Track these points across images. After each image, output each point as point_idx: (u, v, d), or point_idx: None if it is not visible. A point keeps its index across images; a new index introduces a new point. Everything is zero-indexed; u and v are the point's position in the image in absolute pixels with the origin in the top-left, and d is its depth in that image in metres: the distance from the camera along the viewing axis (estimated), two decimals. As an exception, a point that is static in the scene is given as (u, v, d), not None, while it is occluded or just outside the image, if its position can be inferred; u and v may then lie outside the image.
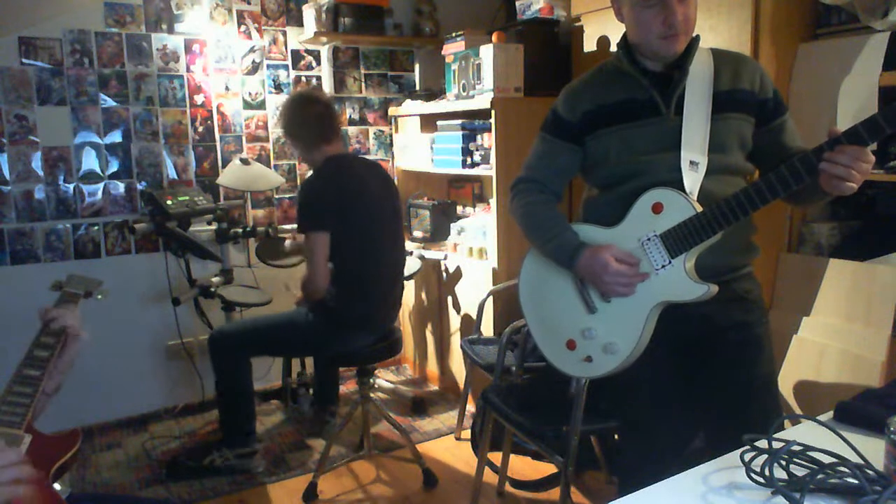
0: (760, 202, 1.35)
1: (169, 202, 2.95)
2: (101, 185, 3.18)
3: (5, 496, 0.98)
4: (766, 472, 0.93)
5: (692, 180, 1.45)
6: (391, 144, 3.92)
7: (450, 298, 3.40)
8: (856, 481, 0.89)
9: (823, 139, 1.29)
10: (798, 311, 2.25)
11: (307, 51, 3.63)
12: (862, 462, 0.94)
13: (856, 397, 1.21)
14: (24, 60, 2.97)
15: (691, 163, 1.45)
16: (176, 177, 3.34)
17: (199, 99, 3.35)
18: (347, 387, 3.64)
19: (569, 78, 3.17)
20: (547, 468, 2.67)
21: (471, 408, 3.13)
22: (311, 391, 3.39)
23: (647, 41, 1.47)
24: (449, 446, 2.99)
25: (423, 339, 3.70)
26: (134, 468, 2.86)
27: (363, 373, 2.69)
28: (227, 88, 3.42)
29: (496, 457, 2.56)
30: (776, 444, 0.98)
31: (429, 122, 3.63)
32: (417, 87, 3.91)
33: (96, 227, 3.19)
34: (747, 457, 0.98)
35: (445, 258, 3.37)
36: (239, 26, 3.42)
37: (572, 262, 1.53)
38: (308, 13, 3.43)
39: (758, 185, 1.35)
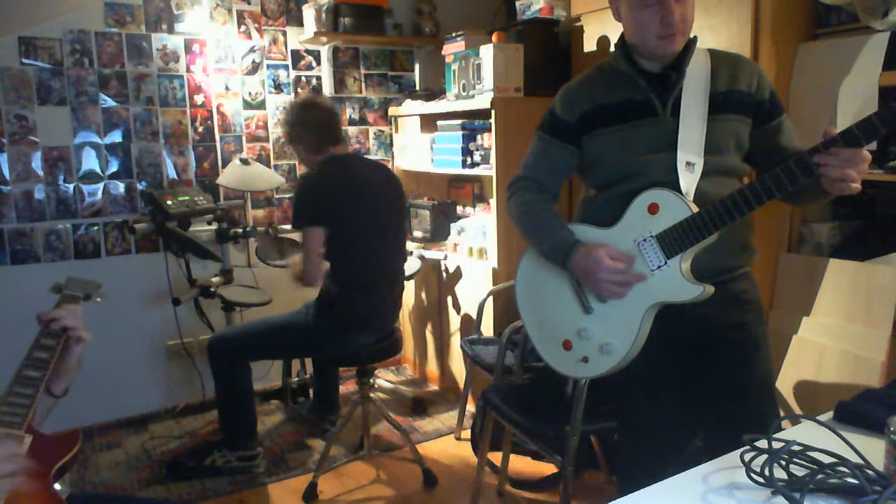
0: (756, 203, 1.35)
1: (169, 202, 2.95)
2: (101, 185, 3.18)
3: (5, 488, 0.98)
4: (766, 472, 0.93)
5: (688, 181, 1.45)
6: (391, 144, 3.92)
7: (450, 298, 3.40)
8: (856, 481, 0.89)
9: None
10: (798, 311, 2.25)
11: (307, 51, 3.63)
12: (862, 462, 0.94)
13: (856, 397, 1.21)
14: (24, 60, 2.97)
15: (687, 164, 1.45)
16: (176, 177, 3.34)
17: (199, 99, 3.35)
18: (347, 387, 3.64)
19: (569, 78, 3.15)
20: (547, 468, 2.67)
21: (471, 408, 3.13)
22: (311, 394, 3.39)
23: (645, 41, 1.48)
24: (449, 446, 2.99)
25: (423, 339, 3.70)
26: (134, 468, 2.86)
27: (363, 373, 2.69)
28: (227, 88, 3.42)
29: (496, 457, 2.56)
30: (776, 444, 0.98)
31: (429, 122, 3.63)
32: (417, 87, 3.91)
33: (96, 227, 3.19)
34: (747, 457, 0.98)
35: (445, 258, 3.38)
36: (239, 26, 3.42)
37: (567, 259, 1.54)
38: (308, 13, 3.44)
39: (753, 186, 1.35)
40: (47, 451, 1.18)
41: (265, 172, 3.33)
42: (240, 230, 3.25)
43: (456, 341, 3.38)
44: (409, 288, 3.64)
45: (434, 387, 3.65)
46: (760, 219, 2.05)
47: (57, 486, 1.16)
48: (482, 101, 3.01)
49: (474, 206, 3.64)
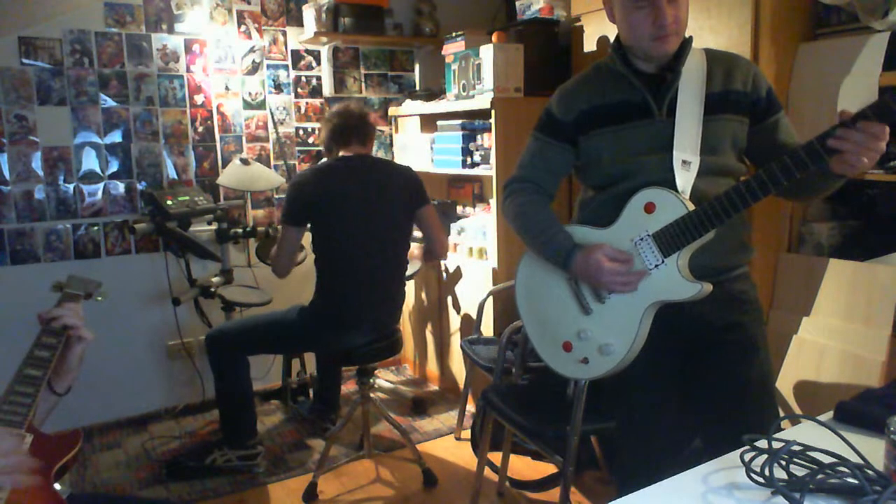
0: (752, 199, 1.35)
1: (169, 202, 2.95)
2: (101, 185, 3.18)
3: (6, 484, 0.98)
4: (766, 472, 0.93)
5: (684, 180, 1.45)
6: (391, 144, 3.92)
7: (450, 298, 3.40)
8: (856, 481, 0.89)
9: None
10: (798, 311, 2.25)
11: (307, 51, 3.63)
12: (862, 462, 0.94)
13: (856, 397, 1.21)
14: (24, 60, 2.97)
15: (683, 162, 1.46)
16: (176, 177, 3.34)
17: (199, 99, 3.35)
18: (347, 387, 3.64)
19: (569, 78, 3.16)
20: (547, 468, 2.67)
21: (471, 408, 3.13)
22: (311, 394, 3.39)
23: (639, 42, 1.48)
24: (449, 446, 2.99)
25: (423, 339, 3.70)
26: (134, 468, 2.86)
27: (363, 373, 2.69)
28: (227, 88, 3.42)
29: (496, 457, 2.56)
30: (776, 444, 0.98)
31: (429, 122, 3.63)
32: (417, 87, 3.91)
33: (96, 227, 3.19)
34: (747, 457, 0.98)
35: (445, 258, 3.37)
36: (239, 26, 3.42)
37: (567, 264, 1.54)
38: (308, 13, 3.44)
39: (749, 182, 1.35)
40: (48, 451, 1.18)
41: (265, 172, 3.33)
42: (240, 230, 3.25)
43: (456, 341, 3.38)
44: (409, 288, 3.64)
45: (434, 387, 3.65)
46: (760, 219, 2.05)
47: (57, 486, 1.16)
48: (482, 101, 3.01)
49: (474, 206, 3.64)
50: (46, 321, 1.33)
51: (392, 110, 3.85)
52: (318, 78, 3.66)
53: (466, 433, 3.05)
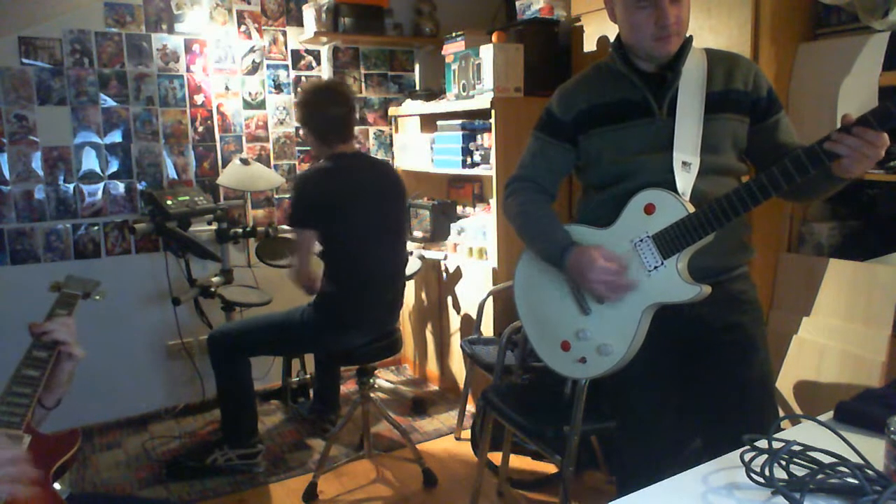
0: (753, 202, 1.35)
1: (169, 202, 2.95)
2: (101, 185, 3.18)
3: (2, 494, 0.97)
4: (766, 472, 0.93)
5: (684, 181, 1.45)
6: (391, 144, 3.92)
7: (450, 298, 3.40)
8: (856, 481, 0.89)
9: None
10: (798, 311, 2.25)
11: (307, 51, 3.63)
12: (862, 462, 0.94)
13: (856, 397, 1.21)
14: (24, 60, 2.97)
15: (683, 163, 1.45)
16: (176, 177, 3.34)
17: (199, 99, 3.35)
18: (347, 387, 3.64)
19: (568, 78, 3.16)
20: (547, 468, 2.67)
21: (471, 408, 3.13)
22: (311, 394, 3.39)
23: (640, 42, 1.48)
24: (449, 446, 2.98)
25: (423, 339, 3.70)
26: (134, 468, 2.86)
27: (363, 373, 2.69)
28: (227, 88, 3.42)
29: (496, 457, 2.56)
30: (776, 444, 0.98)
31: (429, 122, 3.63)
32: (417, 87, 3.91)
33: (96, 227, 3.19)
34: (747, 457, 0.98)
35: (445, 258, 3.37)
36: (239, 26, 3.42)
37: (562, 259, 1.53)
38: (308, 13, 3.44)
39: (749, 185, 1.35)
40: (46, 451, 1.18)
41: (265, 172, 3.33)
42: (240, 230, 3.25)
43: (456, 341, 3.38)
44: (409, 288, 3.64)
45: (434, 387, 3.65)
46: (760, 219, 2.05)
47: (56, 486, 1.16)
48: (482, 101, 3.01)
49: (474, 206, 3.64)
50: (37, 335, 1.29)
51: (392, 110, 3.85)
52: (319, 78, 3.66)
53: (466, 433, 3.05)
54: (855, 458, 0.94)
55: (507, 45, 3.01)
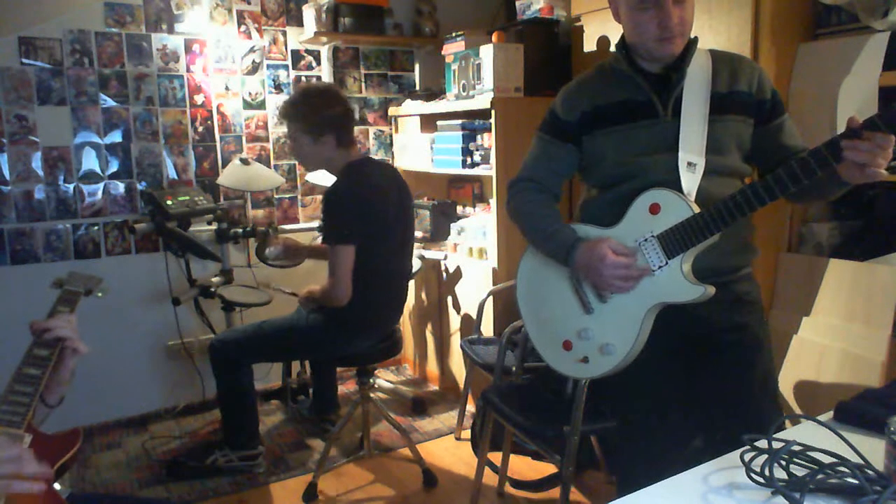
0: (758, 203, 1.35)
1: (169, 202, 2.95)
2: (101, 185, 3.18)
3: (1, 490, 0.98)
4: (766, 472, 0.93)
5: (689, 181, 1.45)
6: (391, 144, 3.92)
7: (450, 298, 3.40)
8: (856, 481, 0.89)
9: (823, 139, 1.28)
10: (798, 311, 2.25)
11: (307, 51, 3.63)
12: (862, 462, 0.94)
13: (856, 397, 1.21)
14: (24, 60, 2.97)
15: (689, 164, 1.45)
16: (176, 177, 3.34)
17: (199, 99, 3.35)
18: (347, 387, 3.64)
19: (569, 78, 3.14)
20: (547, 468, 2.67)
21: (471, 408, 3.13)
22: (311, 393, 3.39)
23: (644, 43, 1.48)
24: (449, 446, 2.98)
25: (423, 339, 3.70)
26: (134, 468, 2.86)
27: (363, 373, 2.69)
28: (227, 88, 3.42)
29: (496, 457, 2.56)
30: (776, 444, 0.98)
31: (429, 122, 3.63)
32: (417, 87, 3.91)
33: (96, 227, 3.19)
34: (747, 457, 0.98)
35: (445, 258, 3.38)
36: (239, 26, 3.42)
37: (569, 256, 1.53)
38: (308, 13, 3.43)
39: (755, 186, 1.35)
40: (47, 451, 1.18)
41: (265, 172, 3.33)
42: (240, 230, 3.24)
43: (456, 341, 3.38)
44: (410, 288, 3.63)
45: (434, 387, 3.65)
46: (760, 219, 2.05)
47: (57, 486, 1.16)
48: (482, 101, 3.01)
49: (474, 206, 3.64)
50: (39, 332, 1.28)
51: (392, 110, 3.85)
52: (318, 78, 3.66)
53: (466, 433, 3.05)
54: (855, 458, 0.94)
55: (507, 45, 3.01)
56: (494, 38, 3.10)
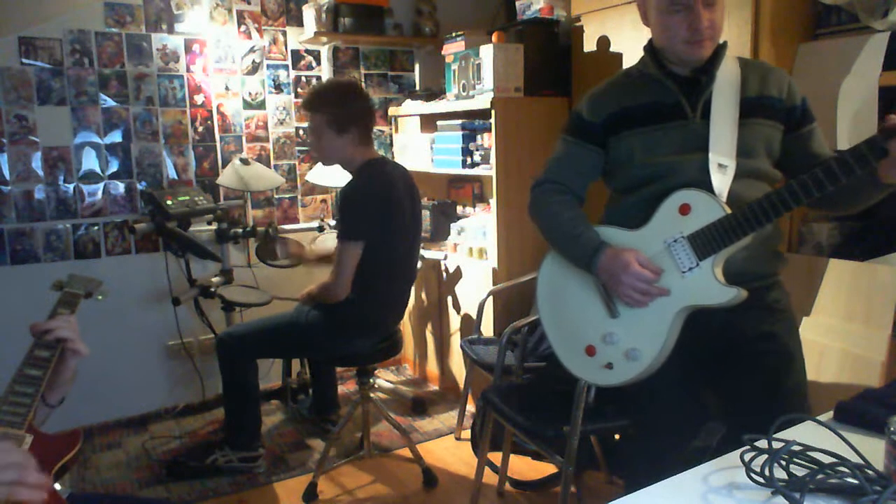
0: (794, 203, 1.31)
1: (169, 202, 2.95)
2: (101, 185, 3.18)
3: (2, 495, 0.97)
4: (766, 472, 0.93)
5: (720, 182, 1.41)
6: (391, 144, 3.92)
7: (450, 298, 3.40)
8: (856, 481, 0.89)
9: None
10: (798, 311, 2.24)
11: (307, 51, 3.63)
12: (862, 462, 0.94)
13: (856, 397, 1.21)
14: (24, 60, 2.97)
15: (719, 165, 1.42)
16: (176, 177, 3.34)
17: (199, 99, 3.35)
18: (347, 387, 3.64)
19: (569, 78, 3.18)
20: (547, 468, 2.67)
21: (471, 408, 3.13)
22: (311, 392, 3.39)
23: (673, 46, 1.46)
24: (449, 446, 2.99)
25: (423, 339, 3.70)
26: (134, 468, 2.86)
27: (363, 373, 2.69)
28: (227, 88, 3.42)
29: (496, 457, 2.56)
30: (776, 444, 0.98)
31: (429, 122, 3.63)
32: (417, 87, 3.91)
33: (96, 227, 3.19)
34: (747, 457, 0.98)
35: (445, 258, 3.38)
36: (239, 26, 3.42)
37: (593, 261, 1.49)
38: (308, 13, 3.43)
39: (791, 185, 1.31)
40: (48, 451, 1.18)
41: (265, 172, 3.33)
42: (240, 230, 3.25)
43: (456, 341, 3.38)
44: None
45: (434, 387, 3.65)
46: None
47: (57, 486, 1.16)
48: (482, 101, 3.01)
49: (474, 206, 3.64)
50: (39, 334, 1.28)
51: (392, 110, 3.85)
52: (318, 78, 3.66)
53: (466, 433, 3.05)
54: (855, 458, 0.94)
55: (507, 45, 3.01)
56: (494, 38, 3.10)
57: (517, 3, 3.37)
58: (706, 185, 1.42)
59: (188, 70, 3.31)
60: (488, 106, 2.96)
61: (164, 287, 3.25)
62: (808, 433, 1.05)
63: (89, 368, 3.10)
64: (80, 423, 3.10)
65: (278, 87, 3.57)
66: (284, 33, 3.55)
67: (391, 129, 3.91)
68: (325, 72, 3.65)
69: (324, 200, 3.75)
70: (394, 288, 2.56)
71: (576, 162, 1.62)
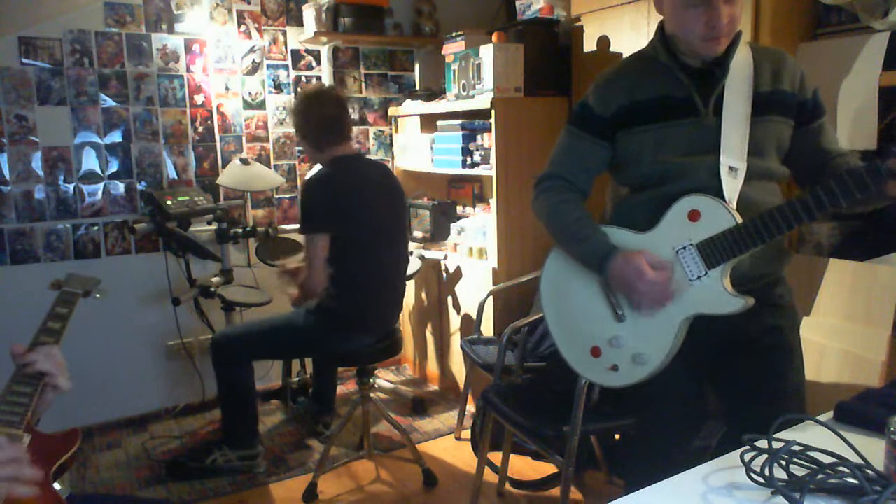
0: (807, 217, 1.29)
1: (169, 202, 2.95)
2: (101, 185, 3.18)
3: (2, 493, 0.98)
4: (766, 472, 0.93)
5: (731, 187, 1.38)
6: (391, 144, 3.92)
7: (450, 298, 3.40)
8: (856, 481, 0.89)
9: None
10: (798, 311, 2.25)
11: (307, 51, 3.63)
12: (862, 462, 0.93)
13: (856, 397, 1.21)
14: (24, 60, 2.97)
15: (730, 168, 1.38)
16: (176, 177, 3.34)
17: (199, 99, 3.35)
18: (347, 387, 3.64)
19: (569, 78, 3.18)
20: (547, 468, 2.67)
21: (471, 408, 3.13)
22: (310, 391, 3.39)
23: (688, 41, 1.41)
24: (449, 446, 2.98)
25: (423, 339, 3.70)
26: (134, 468, 2.86)
27: (363, 373, 2.69)
28: (227, 88, 3.42)
29: (496, 457, 2.56)
30: (776, 444, 0.98)
31: (429, 122, 3.63)
32: (417, 87, 3.91)
33: (96, 227, 3.19)
34: (747, 457, 0.98)
35: (445, 258, 3.37)
36: (239, 26, 3.42)
37: (603, 265, 1.46)
38: (308, 13, 3.43)
39: (805, 200, 1.29)
40: (46, 451, 1.18)
41: (265, 172, 3.33)
42: (240, 230, 3.25)
43: (456, 341, 3.38)
44: (409, 288, 3.63)
45: (434, 387, 3.65)
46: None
47: (56, 486, 1.16)
48: (482, 101, 3.01)
49: (474, 206, 3.64)
50: (20, 365, 1.22)
51: (392, 110, 3.85)
52: (318, 78, 3.66)
53: (466, 433, 3.05)
54: (855, 458, 0.94)
55: (507, 45, 3.01)
56: (494, 38, 3.10)
57: (517, 3, 3.37)
58: (716, 189, 1.38)
59: (188, 70, 3.31)
60: (488, 106, 2.96)
61: (164, 287, 3.24)
62: (808, 433, 1.05)
63: (89, 368, 3.12)
64: (80, 422, 3.10)
65: (278, 87, 3.57)
66: (284, 33, 3.55)
67: (391, 129, 3.91)
68: (325, 72, 3.65)
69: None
70: (381, 286, 2.55)
71: (582, 156, 1.56)
